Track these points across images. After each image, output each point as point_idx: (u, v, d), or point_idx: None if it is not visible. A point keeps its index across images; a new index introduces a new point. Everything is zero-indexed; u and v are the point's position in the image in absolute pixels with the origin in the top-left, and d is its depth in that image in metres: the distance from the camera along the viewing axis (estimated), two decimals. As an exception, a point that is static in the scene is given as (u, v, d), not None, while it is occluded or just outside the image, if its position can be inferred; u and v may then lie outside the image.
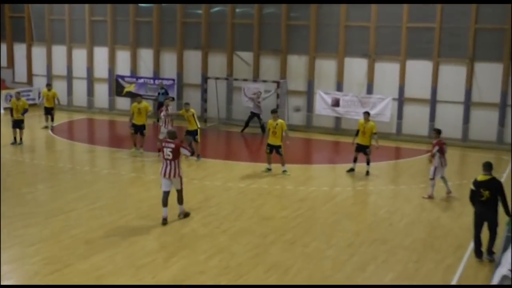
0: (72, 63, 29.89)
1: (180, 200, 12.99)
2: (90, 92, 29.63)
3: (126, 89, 27.77)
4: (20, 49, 31.29)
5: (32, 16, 30.36)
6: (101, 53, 29.08)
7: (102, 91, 29.32)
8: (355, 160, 17.73)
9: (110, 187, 16.05)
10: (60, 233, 11.98)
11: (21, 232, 12.00)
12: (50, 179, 16.75)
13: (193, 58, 27.22)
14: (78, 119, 27.87)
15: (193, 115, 19.01)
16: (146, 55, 28.21)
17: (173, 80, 27.07)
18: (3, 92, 29.23)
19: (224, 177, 16.93)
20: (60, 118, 26.86)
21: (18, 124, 21.03)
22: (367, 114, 18.06)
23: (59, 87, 29.99)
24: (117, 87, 28.22)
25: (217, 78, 25.99)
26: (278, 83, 24.75)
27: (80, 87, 29.82)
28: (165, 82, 26.80)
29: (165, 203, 12.67)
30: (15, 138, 20.95)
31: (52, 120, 24.34)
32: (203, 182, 16.42)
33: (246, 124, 24.60)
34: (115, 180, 16.82)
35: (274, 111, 17.91)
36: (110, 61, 28.89)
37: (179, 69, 27.47)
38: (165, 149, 12.73)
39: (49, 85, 24.98)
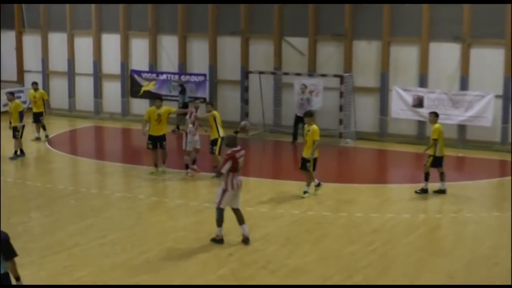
0: (75, 55, 30.48)
1: (243, 219, 13.91)
2: (98, 92, 30.10)
3: (143, 88, 28.11)
4: (7, 38, 32.01)
5: (23, -4, 31.13)
6: (111, 42, 29.56)
7: (112, 91, 29.76)
8: (440, 178, 17.66)
9: (125, 215, 16.21)
10: (61, 276, 12.11)
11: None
12: (47, 205, 16.98)
13: (230, 46, 27.39)
14: (82, 127, 28.32)
15: (214, 118, 19.17)
16: (169, 44, 28.52)
17: (204, 75, 27.28)
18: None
19: (272, 201, 16.91)
20: (59, 126, 27.37)
21: (13, 132, 21.78)
22: (432, 115, 18.02)
23: (58, 86, 30.66)
24: (132, 86, 28.59)
25: (261, 73, 26.07)
26: (341, 77, 24.67)
27: (84, 86, 30.35)
28: (193, 78, 27.05)
29: (221, 222, 13.83)
30: (20, 150, 21.79)
31: (44, 128, 24.73)
32: (245, 208, 16.30)
33: (295, 132, 24.65)
34: (130, 206, 16.97)
35: (307, 114, 17.80)
36: (123, 52, 29.32)
37: (211, 62, 27.68)
38: (240, 159, 13.76)
39: (35, 84, 25.33)
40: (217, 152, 18.95)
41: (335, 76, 24.84)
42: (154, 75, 28.14)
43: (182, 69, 28.07)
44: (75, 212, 16.20)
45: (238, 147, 13.82)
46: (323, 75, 25.08)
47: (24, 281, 11.66)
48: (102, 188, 18.76)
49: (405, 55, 24.81)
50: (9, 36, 31.92)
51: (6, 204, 16.76)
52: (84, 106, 30.44)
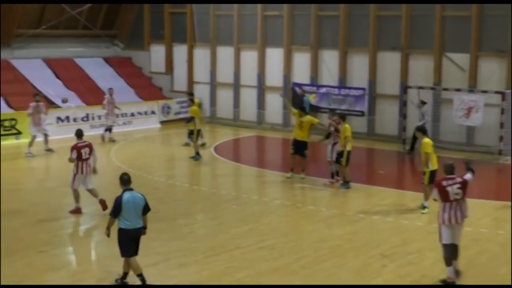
0: (240, 68, 31.20)
1: (457, 254, 12.36)
2: (261, 103, 30.67)
3: (310, 101, 28.18)
4: (180, 51, 33.34)
5: (195, 11, 32.25)
6: (275, 56, 30.06)
7: (274, 103, 30.21)
8: None
9: (283, 222, 16.42)
10: (222, 276, 12.44)
11: (176, 272, 12.65)
12: (211, 209, 17.49)
13: (389, 61, 27.14)
14: (245, 136, 28.97)
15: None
16: (330, 58, 28.63)
17: (363, 89, 27.14)
18: (160, 103, 31.34)
19: (429, 215, 16.49)
20: (224, 134, 28.16)
21: (189, 135, 23.95)
22: None
23: (224, 97, 31.55)
24: (293, 98, 28.82)
25: (420, 88, 25.62)
26: (503, 94, 23.78)
27: (248, 98, 31.01)
28: (353, 92, 26.98)
29: (451, 261, 12.10)
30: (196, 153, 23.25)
31: (201, 136, 25.12)
32: (400, 220, 16.22)
33: (413, 142, 24.29)
34: (289, 213, 17.19)
35: (417, 129, 17.24)
36: (285, 66, 29.73)
37: (371, 76, 27.52)
38: (451, 188, 12.00)
39: (191, 95, 26.29)
40: (344, 164, 19.02)
41: (497, 92, 23.98)
42: (314, 88, 28.29)
43: (342, 82, 28.09)
44: (237, 216, 16.59)
45: (451, 176, 12.09)
46: (484, 91, 24.27)
47: (188, 279, 12.18)
48: (262, 195, 19.09)
49: None
50: (181, 50, 33.21)
51: (173, 206, 17.52)
52: (247, 116, 31.11)
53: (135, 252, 11.65)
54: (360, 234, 15.29)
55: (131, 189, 11.74)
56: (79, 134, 16.56)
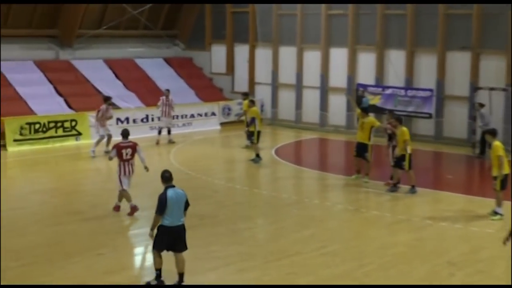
0: (303, 68, 31.08)
1: None
2: (324, 105, 30.49)
3: (369, 102, 27.96)
4: (241, 52, 33.41)
5: (257, 10, 32.26)
6: (339, 56, 29.87)
7: (338, 104, 30.01)
8: None
9: (345, 227, 16.27)
10: (283, 282, 12.33)
11: (236, 277, 12.62)
12: (272, 213, 17.44)
13: (459, 61, 26.70)
14: (307, 138, 28.85)
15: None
16: (396, 58, 28.31)
17: (431, 90, 26.74)
18: (221, 104, 31.41)
19: (500, 222, 16.07)
20: (286, 136, 28.08)
21: (249, 137, 24.00)
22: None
23: (285, 98, 31.51)
24: (357, 99, 28.60)
25: (492, 89, 25.11)
26: None
27: (311, 99, 30.87)
28: (420, 93, 26.63)
29: None
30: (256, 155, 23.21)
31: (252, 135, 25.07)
32: (469, 227, 15.86)
33: (482, 146, 23.97)
34: (351, 218, 17.01)
35: (487, 132, 16.99)
36: (349, 66, 29.50)
37: (439, 77, 27.08)
38: None
39: (245, 95, 26.78)
40: (407, 167, 18.82)
41: None
42: (380, 89, 28.03)
43: (409, 83, 27.71)
44: (298, 221, 16.47)
45: None
46: (559, 93, 23.68)
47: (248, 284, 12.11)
48: (324, 199, 18.92)
49: None
50: (243, 50, 33.28)
51: (233, 210, 17.51)
52: (309, 118, 30.98)
53: (167, 248, 11.77)
54: (426, 241, 15.01)
55: (173, 186, 11.87)
56: (124, 134, 16.73)
